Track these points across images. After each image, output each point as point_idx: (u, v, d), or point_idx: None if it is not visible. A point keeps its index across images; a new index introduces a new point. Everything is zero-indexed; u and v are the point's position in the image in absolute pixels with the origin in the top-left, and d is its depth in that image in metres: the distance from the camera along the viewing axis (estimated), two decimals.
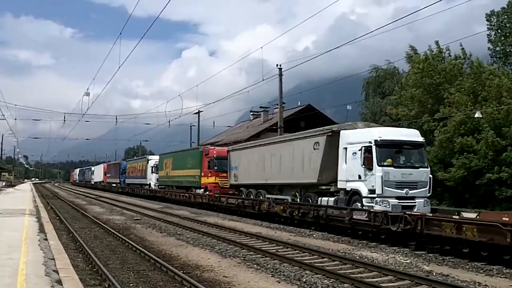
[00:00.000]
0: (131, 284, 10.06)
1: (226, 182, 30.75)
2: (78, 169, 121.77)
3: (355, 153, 18.52)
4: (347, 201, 18.76)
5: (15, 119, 56.20)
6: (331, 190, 20.10)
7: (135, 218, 24.97)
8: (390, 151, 18.07)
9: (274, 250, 14.20)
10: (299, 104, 50.04)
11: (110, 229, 19.34)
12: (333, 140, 20.01)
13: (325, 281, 10.21)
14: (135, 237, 17.55)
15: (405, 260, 13.00)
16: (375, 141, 17.85)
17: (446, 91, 31.08)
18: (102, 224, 21.35)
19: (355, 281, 10.02)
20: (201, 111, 53.75)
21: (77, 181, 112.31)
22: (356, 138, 19.01)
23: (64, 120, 49.50)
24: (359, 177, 18.24)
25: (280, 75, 33.28)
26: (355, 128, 20.12)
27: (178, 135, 72.93)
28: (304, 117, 44.02)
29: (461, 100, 29.53)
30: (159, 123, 53.13)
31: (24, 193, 49.26)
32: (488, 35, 37.78)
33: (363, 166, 17.98)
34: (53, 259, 10.76)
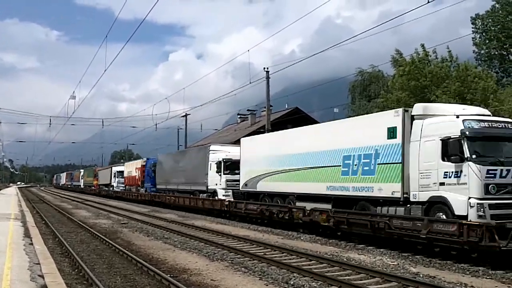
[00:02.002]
0: None
1: None
2: (55, 175, 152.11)
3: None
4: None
5: (0, 122, 55.66)
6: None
7: (122, 222, 24.83)
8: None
9: (262, 253, 14.19)
10: (286, 107, 50.21)
11: (97, 233, 19.20)
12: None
13: (313, 283, 10.23)
14: (122, 241, 17.43)
15: (392, 262, 13.05)
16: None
17: (433, 94, 31.32)
18: (89, 228, 21.20)
19: (342, 283, 10.05)
20: (189, 114, 53.70)
21: (55, 184, 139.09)
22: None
23: (50, 124, 49.31)
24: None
25: (268, 78, 33.35)
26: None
27: (165, 138, 72.71)
28: (292, 120, 44.10)
29: (448, 102, 29.75)
30: (146, 126, 53.04)
31: (9, 198, 48.76)
32: (473, 38, 38.30)
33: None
34: (39, 264, 10.67)
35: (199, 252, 14.76)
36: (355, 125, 19.25)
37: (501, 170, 13.41)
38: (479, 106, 28.20)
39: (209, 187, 31.10)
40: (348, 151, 17.88)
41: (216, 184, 30.17)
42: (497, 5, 37.17)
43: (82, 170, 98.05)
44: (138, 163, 52.91)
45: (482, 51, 38.19)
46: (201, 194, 31.82)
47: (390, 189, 15.75)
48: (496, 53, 37.98)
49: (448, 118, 14.43)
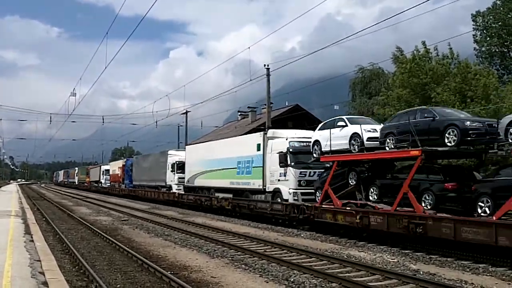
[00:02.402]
0: (118, 286, 10.01)
1: None
2: (55, 172, 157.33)
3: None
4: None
5: (1, 119, 55.65)
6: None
7: (122, 219, 24.85)
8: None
9: (262, 250, 14.21)
10: (286, 104, 50.11)
11: (97, 230, 19.23)
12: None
13: (313, 280, 10.23)
14: (123, 238, 17.46)
15: (392, 259, 13.06)
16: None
17: (433, 91, 31.25)
18: (89, 225, 21.22)
19: (342, 280, 10.06)
20: (189, 111, 53.73)
21: (54, 181, 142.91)
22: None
23: (51, 121, 49.29)
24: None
25: (268, 75, 33.31)
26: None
27: (166, 135, 72.73)
28: (292, 117, 44.07)
29: (449, 100, 29.70)
30: (147, 124, 53.07)
31: (10, 195, 48.77)
32: (474, 35, 38.11)
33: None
34: (39, 260, 10.68)
35: (200, 249, 14.78)
36: (241, 141, 28.49)
37: (309, 172, 22.06)
38: (480, 103, 28.25)
39: (167, 183, 39.65)
40: (239, 158, 26.45)
41: (172, 181, 38.80)
42: (498, 2, 37.04)
43: (76, 168, 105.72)
44: (120, 163, 61.04)
45: (483, 48, 38.04)
46: (162, 189, 40.32)
47: (258, 183, 24.29)
48: (497, 50, 37.81)
49: (282, 139, 23.14)
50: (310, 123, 35.79)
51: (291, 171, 21.86)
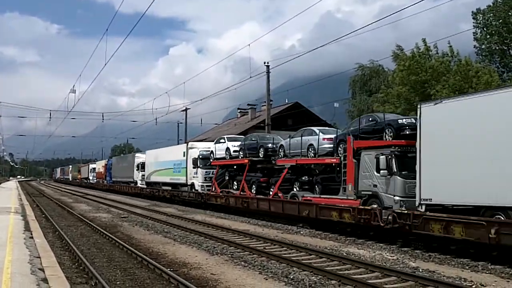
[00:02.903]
0: (118, 282, 10.02)
1: None
2: (54, 169, 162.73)
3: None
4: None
5: (0, 116, 55.55)
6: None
7: (122, 216, 24.86)
8: None
9: (262, 247, 14.23)
10: (286, 101, 50.12)
11: (97, 227, 19.24)
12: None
13: (313, 277, 10.25)
14: (122, 235, 17.46)
15: (391, 256, 13.08)
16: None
17: (433, 88, 31.26)
18: (89, 222, 21.23)
19: (342, 277, 10.07)
20: (189, 109, 53.82)
21: (54, 178, 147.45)
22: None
23: (50, 118, 49.33)
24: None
25: (268, 72, 33.32)
26: None
27: (165, 132, 72.72)
28: (292, 115, 44.11)
29: (448, 96, 29.66)
30: (146, 121, 53.14)
31: (9, 191, 48.76)
32: (474, 33, 38.10)
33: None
34: (39, 257, 10.69)
35: (199, 246, 14.79)
36: (175, 149, 38.71)
37: (211, 171, 31.39)
38: None
39: (134, 179, 49.36)
40: (174, 162, 36.69)
41: (137, 178, 48.28)
42: (498, 0, 37.02)
43: (70, 166, 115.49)
44: (103, 162, 72.39)
45: (483, 46, 38.02)
46: (131, 184, 49.86)
47: (183, 179, 34.70)
48: (497, 48, 37.80)
49: (196, 149, 33.32)
50: (309, 120, 35.86)
51: (200, 170, 32.45)
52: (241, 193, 26.02)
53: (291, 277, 10.31)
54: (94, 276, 9.90)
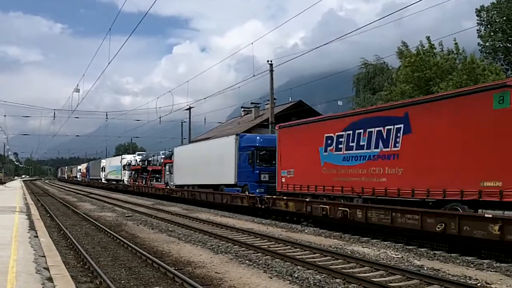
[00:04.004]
0: (122, 281, 10.03)
1: None
2: (58, 168, 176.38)
3: None
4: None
5: (5, 115, 56.07)
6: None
7: (126, 215, 24.90)
8: None
9: (266, 246, 14.22)
10: (290, 100, 50.08)
11: (101, 226, 19.26)
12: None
13: (317, 276, 10.23)
14: (127, 234, 17.49)
15: (396, 254, 13.06)
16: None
17: (437, 86, 31.17)
18: (93, 221, 21.28)
19: (346, 276, 10.05)
20: (192, 107, 53.81)
21: (58, 177, 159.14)
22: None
23: (54, 117, 49.63)
24: None
25: (271, 71, 33.30)
26: None
27: (169, 131, 72.78)
28: (296, 113, 44.03)
29: None
30: (150, 120, 53.27)
31: (14, 191, 48.93)
32: (477, 30, 37.95)
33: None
34: (44, 256, 10.70)
35: (204, 245, 14.80)
36: (115, 159, 67.14)
37: (132, 172, 57.32)
38: None
39: (100, 177, 73.05)
40: (116, 166, 63.97)
41: (101, 176, 73.02)
42: None
43: (66, 167, 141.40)
44: (85, 165, 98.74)
45: (487, 44, 37.86)
46: (99, 180, 72.94)
47: (119, 177, 62.78)
48: (501, 45, 37.65)
49: (125, 159, 62.56)
50: None
51: (126, 172, 56.44)
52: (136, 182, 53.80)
53: (296, 275, 10.31)
54: (99, 275, 9.91)
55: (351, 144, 18.61)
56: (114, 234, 16.68)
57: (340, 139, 19.18)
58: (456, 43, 34.15)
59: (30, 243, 12.45)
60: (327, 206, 17.83)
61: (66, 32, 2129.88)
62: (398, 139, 16.47)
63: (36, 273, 8.83)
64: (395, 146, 16.60)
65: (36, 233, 14.74)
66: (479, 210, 13.42)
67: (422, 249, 13.74)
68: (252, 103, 53.82)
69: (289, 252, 13.17)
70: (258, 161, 26.34)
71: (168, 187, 40.52)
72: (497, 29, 37.10)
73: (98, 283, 9.65)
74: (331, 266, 11.15)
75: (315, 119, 23.72)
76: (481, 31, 37.94)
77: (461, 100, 14.67)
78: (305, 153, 21.42)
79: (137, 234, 17.43)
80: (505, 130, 13.02)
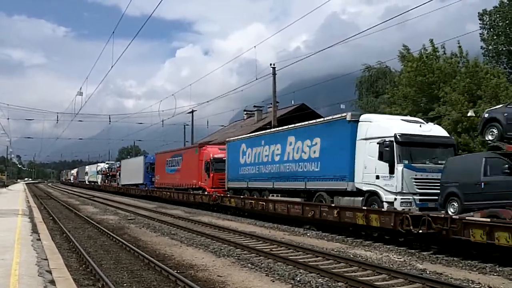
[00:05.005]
0: (125, 284, 10.04)
1: None
2: (61, 171, 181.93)
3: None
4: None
5: (8, 118, 55.84)
6: None
7: (128, 218, 24.91)
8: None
9: (268, 249, 14.21)
10: (292, 103, 50.03)
11: (104, 229, 19.28)
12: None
13: (319, 280, 10.22)
14: (129, 237, 17.50)
15: (399, 258, 13.03)
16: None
17: (441, 90, 31.12)
18: (96, 224, 21.29)
19: (349, 279, 10.03)
20: (195, 111, 53.87)
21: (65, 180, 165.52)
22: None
23: (57, 120, 49.73)
24: None
25: (274, 74, 33.32)
26: None
27: (172, 134, 72.86)
28: (298, 116, 43.94)
29: (458, 99, 29.54)
30: (153, 123, 53.41)
31: (17, 193, 49.04)
32: (480, 34, 37.89)
33: None
34: (46, 259, 10.73)
35: (206, 248, 14.79)
36: (93, 166, 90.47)
37: (104, 175, 74.86)
38: (490, 102, 28.07)
39: (85, 179, 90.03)
40: (96, 171, 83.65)
41: (85, 178, 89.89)
42: (505, 0, 36.80)
43: (64, 171, 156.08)
44: (76, 169, 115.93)
45: (490, 47, 37.79)
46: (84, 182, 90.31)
47: (96, 180, 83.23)
48: (504, 49, 37.58)
49: (99, 166, 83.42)
50: None
51: (100, 176, 77.83)
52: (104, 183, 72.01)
53: (298, 279, 10.30)
54: (101, 278, 9.92)
55: (172, 165, 40.80)
56: (117, 237, 16.70)
57: (168, 161, 41.74)
58: (460, 46, 34.10)
59: (32, 246, 12.48)
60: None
61: (70, 35, 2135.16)
62: (180, 164, 38.89)
63: (38, 276, 8.85)
64: (179, 166, 38.82)
65: (39, 236, 14.78)
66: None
67: (424, 253, 13.69)
68: (254, 106, 53.83)
69: (291, 256, 13.15)
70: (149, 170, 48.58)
71: (118, 185, 60.10)
72: (500, 33, 37.07)
73: (100, 286, 9.66)
74: (333, 270, 11.13)
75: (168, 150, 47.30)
76: (484, 35, 37.91)
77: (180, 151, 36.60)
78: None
79: (140, 237, 17.44)
80: None
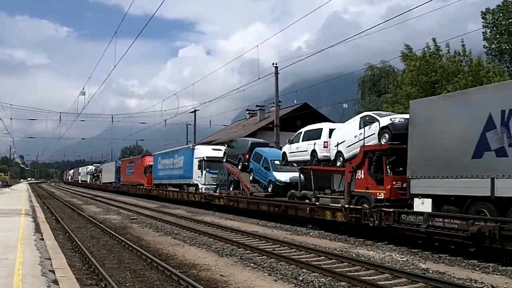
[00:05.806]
0: (127, 284, 10.06)
1: None
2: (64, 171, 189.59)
3: None
4: None
5: (11, 118, 56.20)
6: None
7: (131, 218, 24.94)
8: None
9: (271, 249, 14.21)
10: (295, 102, 50.03)
11: (107, 229, 19.31)
12: None
13: (322, 279, 10.22)
14: (132, 237, 17.53)
15: (401, 258, 13.02)
16: None
17: (444, 89, 31.04)
18: (99, 224, 21.33)
19: (351, 279, 10.04)
20: (197, 110, 53.96)
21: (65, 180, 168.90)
22: None
23: (60, 120, 49.93)
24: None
25: (276, 73, 33.31)
26: None
27: (174, 134, 72.94)
28: (301, 115, 44.00)
29: None
30: (155, 122, 53.62)
31: (20, 193, 49.14)
32: (483, 32, 37.85)
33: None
34: (50, 259, 10.74)
35: (208, 247, 14.81)
36: (85, 168, 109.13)
37: (91, 175, 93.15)
38: None
39: (79, 179, 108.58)
40: (87, 172, 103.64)
41: (80, 178, 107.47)
42: None
43: (64, 171, 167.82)
44: (73, 170, 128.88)
45: (493, 46, 37.74)
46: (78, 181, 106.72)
47: (86, 178, 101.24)
48: (507, 47, 37.53)
49: (89, 167, 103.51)
50: (318, 121, 35.52)
51: (89, 176, 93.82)
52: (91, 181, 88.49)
53: (301, 278, 10.30)
54: (104, 278, 9.94)
55: (129, 168, 57.27)
56: (119, 237, 16.72)
57: (128, 166, 59.76)
58: (463, 45, 34.02)
59: (36, 246, 12.50)
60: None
61: (72, 35, 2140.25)
62: (133, 168, 54.94)
63: (41, 275, 8.87)
64: (132, 169, 55.55)
65: (42, 236, 14.80)
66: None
67: (427, 252, 13.68)
68: (257, 105, 53.84)
69: (294, 255, 13.16)
70: (118, 172, 64.96)
71: (101, 183, 74.70)
72: (502, 31, 37.01)
73: (103, 285, 9.67)
74: (336, 269, 11.13)
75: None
76: (486, 33, 37.85)
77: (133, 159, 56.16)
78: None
79: (142, 237, 17.46)
80: None
